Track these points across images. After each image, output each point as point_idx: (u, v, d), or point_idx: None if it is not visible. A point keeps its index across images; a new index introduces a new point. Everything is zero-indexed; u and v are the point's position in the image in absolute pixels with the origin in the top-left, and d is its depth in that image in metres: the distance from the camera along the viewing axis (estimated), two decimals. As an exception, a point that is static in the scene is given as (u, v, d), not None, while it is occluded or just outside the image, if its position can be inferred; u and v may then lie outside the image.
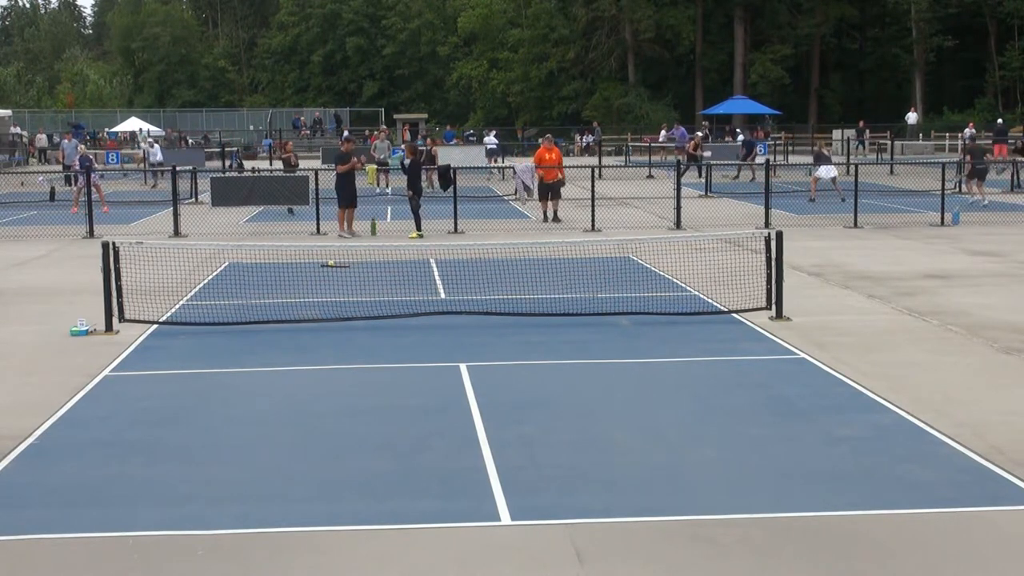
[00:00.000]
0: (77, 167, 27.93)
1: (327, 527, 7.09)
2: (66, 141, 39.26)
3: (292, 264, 18.36)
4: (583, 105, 74.81)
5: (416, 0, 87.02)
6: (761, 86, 69.51)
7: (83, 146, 35.87)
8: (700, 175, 35.90)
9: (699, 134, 43.86)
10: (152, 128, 68.93)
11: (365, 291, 15.47)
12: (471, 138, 52.64)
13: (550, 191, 25.93)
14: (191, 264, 17.86)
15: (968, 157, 32.27)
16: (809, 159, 36.07)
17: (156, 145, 41.21)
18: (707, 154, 41.32)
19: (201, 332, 13.23)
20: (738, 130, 57.40)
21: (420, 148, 28.35)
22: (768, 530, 7.02)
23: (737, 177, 38.51)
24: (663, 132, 54.35)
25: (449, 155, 36.93)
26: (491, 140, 49.56)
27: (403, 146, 26.56)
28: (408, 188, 23.19)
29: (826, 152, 32.40)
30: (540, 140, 30.14)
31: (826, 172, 30.51)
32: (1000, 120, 53.24)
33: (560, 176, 25.95)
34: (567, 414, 9.66)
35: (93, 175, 28.75)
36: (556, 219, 25.62)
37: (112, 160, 46.45)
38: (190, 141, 61.76)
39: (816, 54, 73.17)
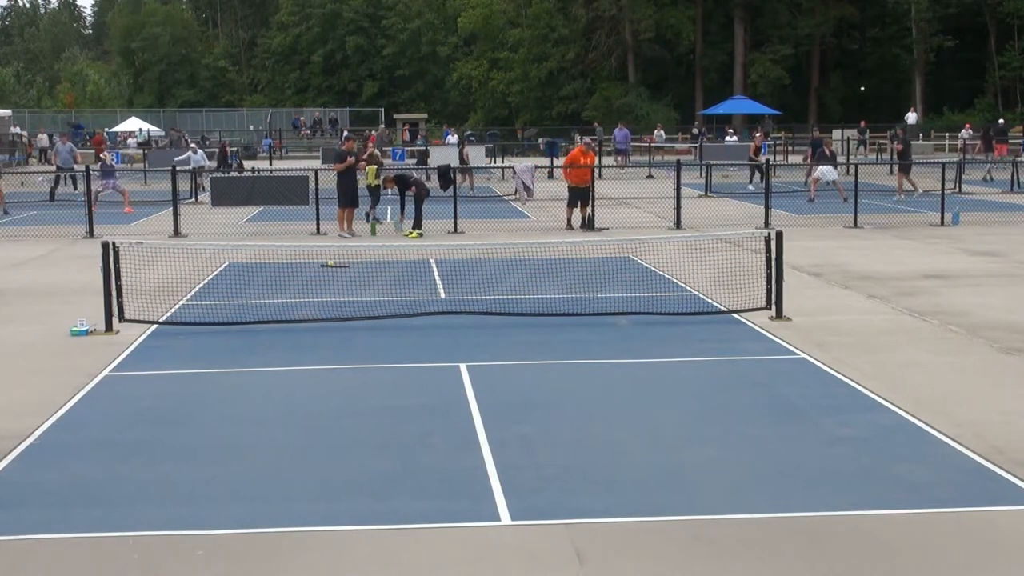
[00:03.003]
0: (97, 169, 27.76)
1: (327, 527, 7.09)
2: (60, 143, 39.00)
3: (292, 264, 18.36)
4: (583, 105, 74.81)
5: (416, 0, 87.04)
6: (761, 86, 69.53)
7: (108, 153, 35.63)
8: (761, 180, 34.42)
9: (758, 135, 42.13)
10: (152, 128, 68.97)
11: (365, 291, 15.46)
12: (471, 138, 52.62)
13: (581, 198, 23.96)
14: (191, 264, 17.86)
15: (900, 149, 32.41)
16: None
17: (200, 151, 38.07)
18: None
19: (201, 332, 13.23)
20: (731, 130, 57.30)
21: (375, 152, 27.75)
22: (768, 530, 7.02)
23: (754, 177, 36.80)
24: (616, 131, 52.32)
25: (448, 155, 36.92)
26: (451, 140, 49.77)
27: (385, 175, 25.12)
28: (411, 185, 23.25)
29: (827, 153, 32.15)
30: (579, 141, 28.69)
31: (828, 173, 30.39)
32: (1001, 120, 53.27)
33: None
34: (567, 414, 9.66)
35: (114, 180, 28.72)
36: (592, 226, 23.86)
37: (114, 159, 46.26)
38: (189, 140, 61.65)
39: (816, 54, 73.20)
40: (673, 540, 6.86)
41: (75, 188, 34.29)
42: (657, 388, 10.67)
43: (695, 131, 60.33)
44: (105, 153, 35.54)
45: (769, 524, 7.11)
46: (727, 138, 53.54)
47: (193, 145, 40.74)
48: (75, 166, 34.77)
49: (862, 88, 74.24)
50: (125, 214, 27.88)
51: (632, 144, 54.52)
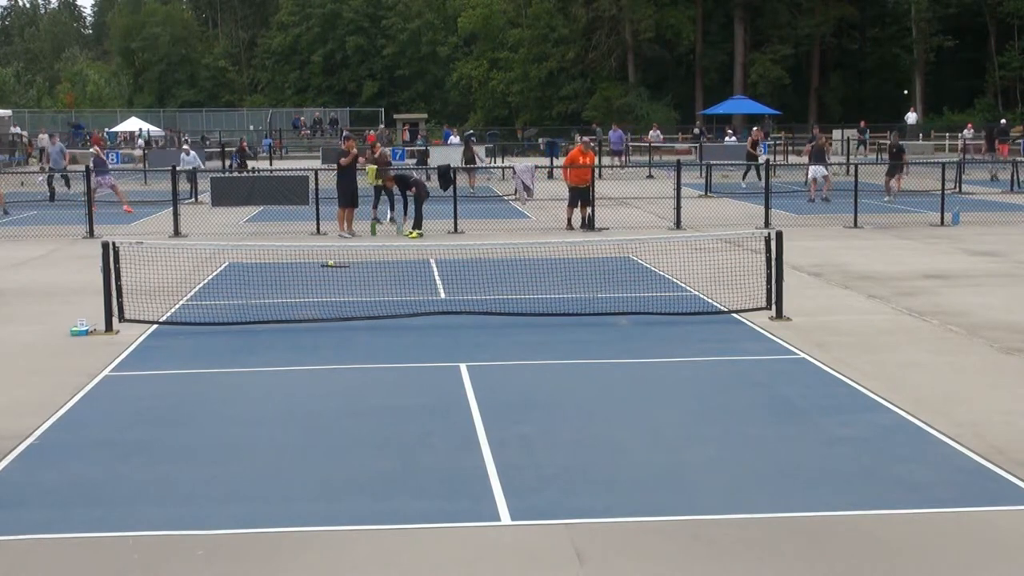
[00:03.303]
0: (93, 168, 27.74)
1: (327, 527, 7.09)
2: (51, 145, 38.82)
3: (292, 264, 18.36)
4: (583, 105, 74.79)
5: (416, 0, 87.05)
6: (761, 86, 69.52)
7: (97, 147, 35.55)
8: (759, 177, 32.33)
9: (756, 128, 41.68)
10: (152, 128, 68.95)
11: (365, 291, 15.46)
12: (472, 138, 52.59)
13: (581, 198, 23.94)
14: (191, 264, 17.86)
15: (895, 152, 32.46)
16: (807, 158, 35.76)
17: (193, 152, 36.52)
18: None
19: (201, 332, 13.23)
20: (731, 130, 57.24)
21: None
22: (768, 530, 7.02)
23: (747, 176, 36.79)
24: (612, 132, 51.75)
25: (449, 155, 36.91)
26: (453, 140, 49.78)
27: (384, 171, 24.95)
28: (411, 185, 23.25)
29: (811, 150, 31.91)
30: (579, 140, 28.28)
31: (817, 172, 30.32)
32: (1003, 120, 53.29)
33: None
34: (567, 414, 9.66)
35: (107, 177, 28.75)
36: (592, 226, 23.84)
37: (113, 160, 46.28)
38: (188, 140, 61.63)
39: (816, 54, 73.19)
40: (673, 540, 6.86)
41: (68, 188, 34.32)
42: (657, 388, 10.67)
43: (695, 131, 60.29)
44: (96, 148, 35.44)
45: (769, 524, 7.11)
46: (727, 138, 53.48)
47: (186, 147, 40.43)
48: (66, 165, 34.77)
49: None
50: (125, 214, 27.90)
51: (632, 144, 54.48)
